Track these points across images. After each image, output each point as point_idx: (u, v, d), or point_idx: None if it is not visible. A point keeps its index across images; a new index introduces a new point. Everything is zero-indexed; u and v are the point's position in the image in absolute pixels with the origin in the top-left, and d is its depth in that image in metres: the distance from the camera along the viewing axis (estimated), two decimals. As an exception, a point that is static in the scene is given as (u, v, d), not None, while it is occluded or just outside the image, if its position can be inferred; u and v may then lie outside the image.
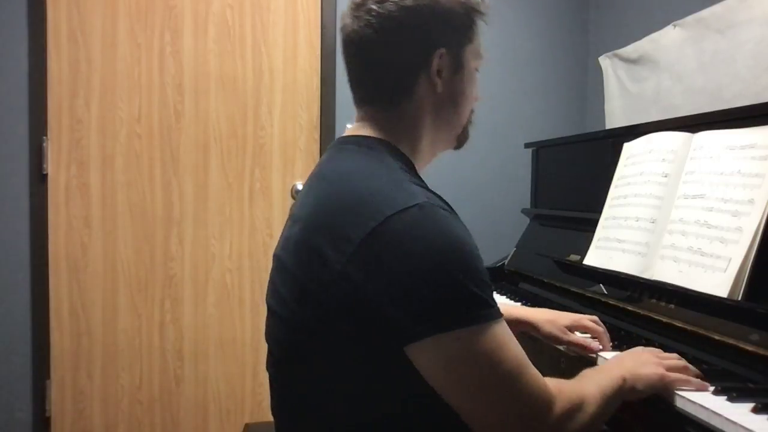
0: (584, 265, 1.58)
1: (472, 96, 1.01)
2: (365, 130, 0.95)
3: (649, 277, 1.35)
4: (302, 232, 0.87)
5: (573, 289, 1.63)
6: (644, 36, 2.29)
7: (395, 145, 0.93)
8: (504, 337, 0.79)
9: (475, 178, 2.72)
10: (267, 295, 0.97)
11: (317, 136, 2.56)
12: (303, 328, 0.84)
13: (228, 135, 2.49)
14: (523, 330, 1.28)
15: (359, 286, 0.78)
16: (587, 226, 1.67)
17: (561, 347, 1.27)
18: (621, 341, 1.26)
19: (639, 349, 1.07)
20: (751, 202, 1.14)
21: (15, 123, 2.28)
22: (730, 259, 1.13)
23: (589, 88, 2.83)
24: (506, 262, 2.11)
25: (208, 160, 2.48)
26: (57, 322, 2.36)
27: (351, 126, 0.99)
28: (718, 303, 1.13)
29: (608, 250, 1.52)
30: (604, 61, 2.56)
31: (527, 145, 2.27)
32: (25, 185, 2.29)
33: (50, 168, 2.34)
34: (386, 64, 0.93)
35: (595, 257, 1.57)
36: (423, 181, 0.90)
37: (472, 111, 1.03)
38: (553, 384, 0.83)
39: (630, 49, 2.38)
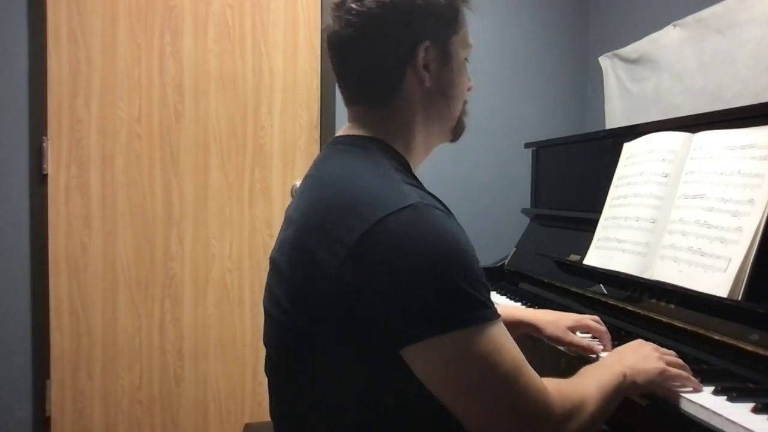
0: (584, 265, 1.59)
1: (464, 87, 0.99)
2: (358, 130, 0.94)
3: (649, 277, 1.35)
4: (296, 235, 0.87)
5: (573, 289, 1.63)
6: (644, 36, 2.29)
7: (388, 143, 0.92)
8: (501, 338, 0.78)
9: (475, 178, 2.72)
10: (264, 298, 0.96)
11: (317, 136, 2.56)
12: (299, 332, 0.84)
13: (228, 135, 2.49)
14: (526, 331, 1.27)
15: (354, 289, 0.77)
16: (587, 226, 1.67)
17: (563, 348, 1.27)
18: (621, 341, 1.25)
19: (638, 342, 1.06)
20: (751, 202, 1.14)
21: (15, 123, 2.28)
22: (730, 259, 1.13)
23: (589, 88, 2.83)
24: (506, 262, 2.11)
25: (208, 160, 2.48)
26: (57, 322, 2.35)
27: (344, 126, 0.98)
28: (718, 303, 1.13)
29: (608, 250, 1.52)
30: (604, 61, 2.56)
31: (527, 145, 2.27)
32: (25, 185, 2.29)
33: (50, 168, 2.34)
34: (371, 63, 0.91)
35: (595, 257, 1.57)
36: (418, 181, 0.89)
37: (465, 102, 1.01)
38: (552, 385, 0.82)
39: (630, 49, 2.39)
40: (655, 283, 1.32)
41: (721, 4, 1.91)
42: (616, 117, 2.48)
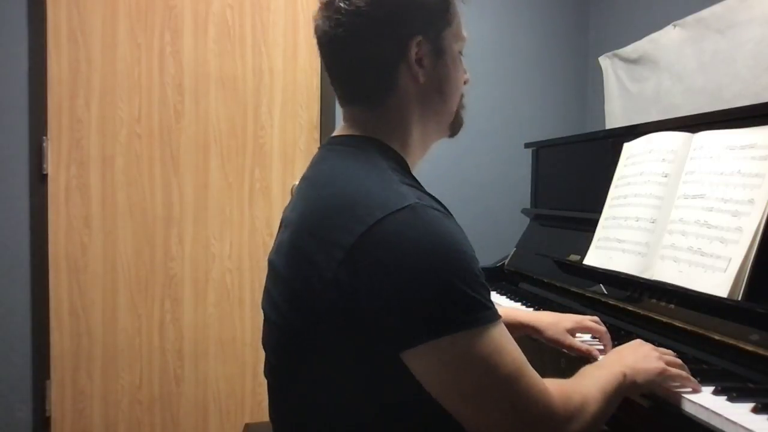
0: (584, 265, 1.58)
1: (460, 80, 0.97)
2: (353, 130, 0.93)
3: (649, 277, 1.35)
4: (293, 237, 0.86)
5: (573, 289, 1.63)
6: (644, 36, 2.29)
7: (385, 142, 0.91)
8: (502, 340, 0.77)
9: (475, 179, 2.72)
10: (262, 300, 0.95)
11: (317, 136, 2.56)
12: (297, 335, 0.83)
13: (228, 135, 2.49)
14: (526, 333, 1.27)
15: (351, 292, 0.76)
16: (587, 226, 1.67)
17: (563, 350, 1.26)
18: (621, 341, 1.25)
19: (637, 342, 1.05)
20: (751, 202, 1.14)
21: (15, 123, 2.27)
22: (730, 259, 1.13)
23: (589, 88, 2.83)
24: (506, 262, 2.11)
25: (208, 160, 2.48)
26: (57, 322, 2.35)
27: (340, 125, 0.97)
28: (718, 303, 1.13)
29: (608, 250, 1.52)
30: (604, 61, 2.56)
31: (527, 145, 2.27)
32: (25, 185, 2.29)
33: (50, 168, 2.34)
34: (362, 62, 0.90)
35: (595, 257, 1.57)
36: (417, 181, 0.88)
37: (462, 96, 0.99)
38: (554, 386, 0.81)
39: (630, 49, 2.39)
40: (655, 283, 1.32)
41: (721, 4, 1.91)
42: (616, 117, 2.48)
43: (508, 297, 1.83)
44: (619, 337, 1.28)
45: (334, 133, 0.96)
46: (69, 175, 2.36)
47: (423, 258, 0.74)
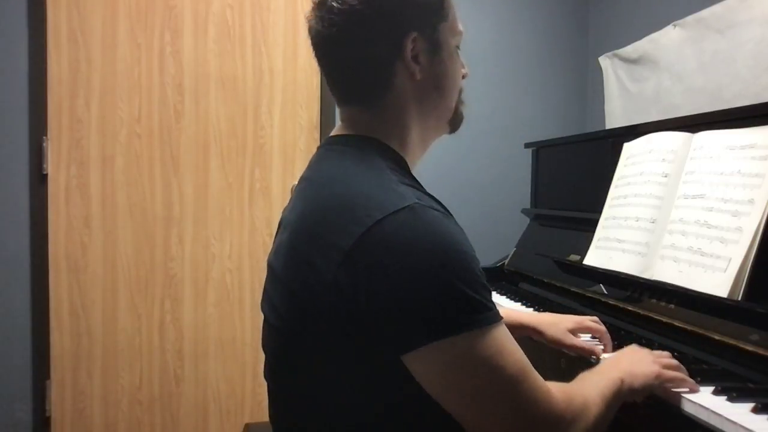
0: (584, 265, 1.58)
1: (458, 76, 0.95)
2: (351, 129, 0.92)
3: (649, 277, 1.35)
4: (291, 239, 0.85)
5: (573, 289, 1.63)
6: (644, 36, 2.29)
7: (383, 141, 0.89)
8: (504, 341, 0.76)
9: (475, 179, 2.72)
10: (262, 302, 0.94)
11: (317, 136, 2.56)
12: (296, 338, 0.82)
13: (228, 135, 2.49)
14: (527, 335, 1.26)
15: (351, 295, 0.75)
16: (587, 226, 1.67)
17: (564, 350, 1.26)
18: (621, 341, 1.26)
19: (633, 347, 1.05)
20: (751, 202, 1.14)
21: (15, 123, 2.27)
22: (730, 259, 1.13)
23: (589, 88, 2.83)
24: (506, 262, 2.11)
25: (208, 160, 2.48)
26: (57, 322, 2.35)
27: (337, 125, 0.96)
28: (718, 303, 1.13)
29: (608, 250, 1.52)
30: (604, 61, 2.57)
31: (527, 145, 2.27)
32: (25, 185, 2.29)
33: (50, 168, 2.34)
34: (358, 62, 0.88)
35: (595, 257, 1.57)
36: (416, 181, 0.87)
37: (461, 91, 0.97)
38: (555, 388, 0.80)
39: (630, 49, 2.39)
40: (655, 283, 1.32)
41: (721, 4, 1.91)
42: (616, 117, 2.48)
43: (508, 297, 1.83)
44: (619, 337, 1.28)
45: (332, 133, 0.95)
46: (69, 175, 2.36)
47: (423, 259, 0.73)
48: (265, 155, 2.53)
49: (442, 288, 0.73)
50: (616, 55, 2.49)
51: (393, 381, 0.78)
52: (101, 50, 2.37)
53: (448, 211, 0.82)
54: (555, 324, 1.24)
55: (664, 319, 1.26)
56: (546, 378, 0.81)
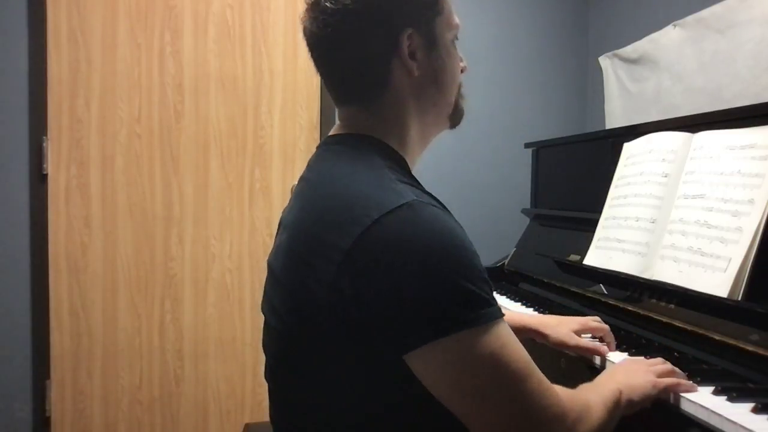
0: (584, 265, 1.58)
1: (456, 70, 0.93)
2: (349, 129, 0.91)
3: (649, 277, 1.35)
4: (290, 240, 0.85)
5: (573, 289, 1.63)
6: (644, 36, 2.29)
7: (382, 139, 0.88)
8: (507, 337, 0.75)
9: (475, 179, 2.72)
10: (262, 303, 0.94)
11: (317, 136, 2.56)
12: (296, 339, 0.82)
13: (228, 135, 2.49)
14: (530, 337, 1.26)
15: (351, 295, 0.74)
16: (587, 226, 1.67)
17: (568, 352, 1.26)
18: (621, 341, 1.26)
19: (627, 360, 1.06)
20: (751, 202, 1.14)
21: (15, 123, 2.27)
22: (730, 259, 1.13)
23: (589, 88, 2.83)
24: (506, 262, 2.11)
25: (208, 160, 2.48)
26: (57, 322, 2.35)
27: (336, 125, 0.95)
28: (718, 303, 1.13)
29: (608, 250, 1.52)
30: (604, 61, 2.57)
31: (527, 145, 2.27)
32: (25, 185, 2.29)
33: (50, 168, 2.34)
34: (354, 61, 0.87)
35: (595, 257, 1.57)
36: (415, 179, 0.87)
37: (460, 85, 0.96)
38: (559, 389, 0.79)
39: (630, 49, 2.39)
40: (655, 283, 1.32)
41: (721, 4, 1.91)
42: (616, 117, 2.48)
43: (508, 297, 1.83)
44: (619, 337, 1.28)
45: (330, 133, 0.94)
46: (69, 175, 2.36)
47: (423, 256, 0.73)
48: (265, 155, 2.53)
49: (444, 285, 0.73)
50: (616, 55, 2.49)
51: (393, 381, 0.78)
52: (101, 50, 2.37)
53: (446, 208, 0.81)
54: (558, 326, 1.23)
55: (664, 319, 1.26)
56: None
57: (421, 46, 0.88)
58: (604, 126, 2.53)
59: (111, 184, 2.39)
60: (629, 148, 1.60)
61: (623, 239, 1.48)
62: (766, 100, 1.46)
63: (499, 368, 0.74)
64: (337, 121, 0.95)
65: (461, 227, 0.79)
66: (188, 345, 2.47)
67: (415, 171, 0.92)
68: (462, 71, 0.96)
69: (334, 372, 0.80)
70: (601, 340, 1.26)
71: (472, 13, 2.67)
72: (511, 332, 0.78)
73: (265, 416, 1.00)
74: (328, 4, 0.85)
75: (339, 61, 0.89)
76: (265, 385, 0.95)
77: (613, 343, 1.22)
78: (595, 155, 1.85)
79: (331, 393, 0.82)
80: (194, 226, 2.47)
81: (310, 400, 0.84)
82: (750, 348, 1.04)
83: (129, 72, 2.39)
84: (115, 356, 2.41)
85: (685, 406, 0.95)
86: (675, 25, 2.12)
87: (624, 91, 2.44)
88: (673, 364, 1.03)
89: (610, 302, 1.45)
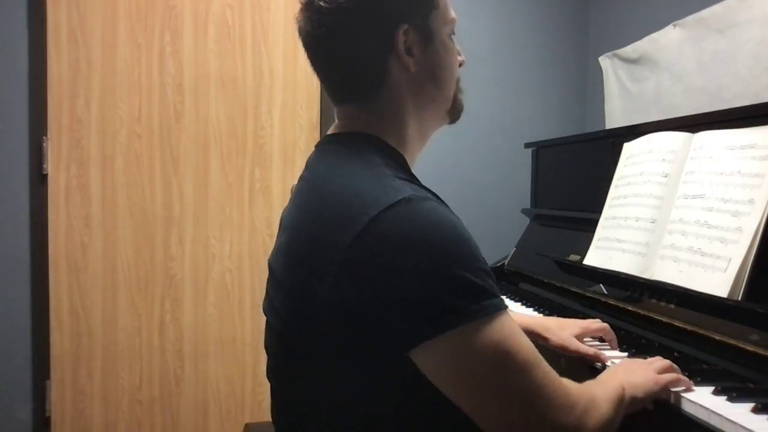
0: (584, 265, 1.58)
1: (453, 65, 0.93)
2: (347, 127, 0.91)
3: (649, 277, 1.35)
4: (289, 240, 0.85)
5: (573, 289, 1.63)
6: (644, 36, 2.29)
7: (380, 137, 0.88)
8: (513, 328, 0.75)
9: (475, 179, 2.72)
10: (263, 303, 0.94)
11: (317, 136, 2.56)
12: (298, 341, 0.82)
13: (228, 135, 2.49)
14: (532, 339, 1.25)
15: (352, 294, 0.73)
16: (587, 226, 1.67)
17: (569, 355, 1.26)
18: (621, 341, 1.26)
19: (627, 361, 1.06)
20: (751, 202, 1.14)
21: (15, 123, 2.27)
22: (730, 259, 1.13)
23: (589, 88, 2.83)
24: (506, 262, 2.11)
25: (208, 160, 2.48)
26: (57, 322, 2.35)
27: (334, 123, 0.95)
28: (718, 303, 1.13)
29: (608, 250, 1.52)
30: (604, 61, 2.57)
31: (527, 145, 2.27)
32: (25, 185, 2.29)
33: (50, 168, 2.34)
34: (350, 60, 0.87)
35: (595, 257, 1.57)
36: (414, 177, 0.86)
37: (459, 80, 0.95)
38: (566, 381, 0.79)
39: (630, 49, 2.39)
40: (655, 283, 1.32)
41: (721, 4, 1.91)
42: (616, 117, 2.48)
43: (508, 297, 1.83)
44: (619, 337, 1.28)
45: (329, 132, 0.94)
46: (69, 175, 2.36)
47: (423, 249, 0.72)
48: (265, 155, 2.53)
49: (445, 278, 0.72)
50: (616, 55, 2.49)
51: (395, 380, 0.77)
52: (101, 50, 2.37)
53: (444, 203, 0.81)
54: (560, 329, 1.22)
55: (664, 319, 1.26)
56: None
57: (417, 42, 0.87)
58: (604, 126, 2.53)
59: (111, 184, 2.39)
60: (629, 148, 1.60)
61: (623, 239, 1.48)
62: (766, 100, 1.46)
63: (505, 359, 0.73)
64: (336, 120, 0.95)
65: (460, 221, 0.78)
66: (188, 345, 2.47)
67: (416, 171, 0.91)
68: (460, 65, 0.95)
69: (334, 372, 0.80)
70: (602, 340, 1.26)
71: (472, 12, 2.67)
72: (516, 323, 0.77)
73: (265, 416, 1.00)
74: (322, 4, 0.85)
75: (335, 60, 0.89)
76: (266, 385, 0.94)
77: (615, 342, 1.23)
78: (595, 155, 1.85)
79: (332, 392, 0.82)
80: (194, 226, 2.47)
81: (311, 399, 0.84)
82: (750, 348, 1.04)
83: (129, 72, 2.39)
84: (115, 356, 2.41)
85: (685, 406, 0.94)
86: (675, 25, 2.12)
87: (624, 91, 2.44)
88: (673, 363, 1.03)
89: (610, 302, 1.45)
